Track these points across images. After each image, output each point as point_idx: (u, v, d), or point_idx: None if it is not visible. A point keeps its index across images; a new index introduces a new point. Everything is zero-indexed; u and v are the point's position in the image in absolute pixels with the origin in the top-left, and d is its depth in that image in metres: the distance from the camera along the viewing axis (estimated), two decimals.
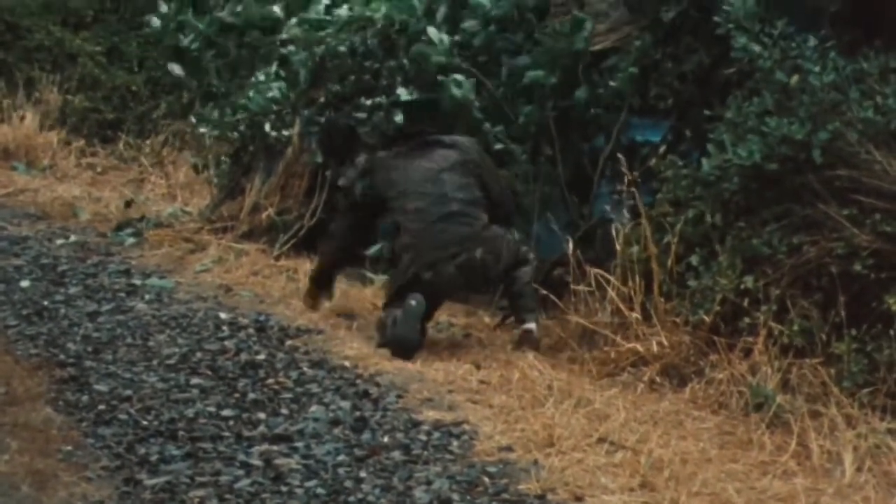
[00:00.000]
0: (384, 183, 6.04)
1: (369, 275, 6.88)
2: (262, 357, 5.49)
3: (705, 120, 5.69)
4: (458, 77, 6.82)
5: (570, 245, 5.80)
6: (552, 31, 6.68)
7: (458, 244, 5.76)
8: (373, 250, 6.99)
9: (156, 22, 9.16)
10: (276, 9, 8.55)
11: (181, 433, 4.51)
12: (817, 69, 5.06)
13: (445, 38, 7.09)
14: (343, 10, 7.90)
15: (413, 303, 5.61)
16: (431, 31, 7.12)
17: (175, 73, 8.99)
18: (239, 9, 8.81)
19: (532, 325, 5.73)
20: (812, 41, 5.20)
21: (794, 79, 5.10)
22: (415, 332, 5.62)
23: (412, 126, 6.53)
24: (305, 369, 5.33)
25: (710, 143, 5.38)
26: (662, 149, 5.95)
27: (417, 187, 5.91)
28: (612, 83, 6.41)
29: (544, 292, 5.84)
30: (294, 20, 8.18)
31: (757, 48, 5.25)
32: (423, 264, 5.74)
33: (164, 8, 9.19)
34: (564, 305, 5.76)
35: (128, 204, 8.85)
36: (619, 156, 5.96)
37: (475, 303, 6.60)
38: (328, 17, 8.03)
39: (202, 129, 8.37)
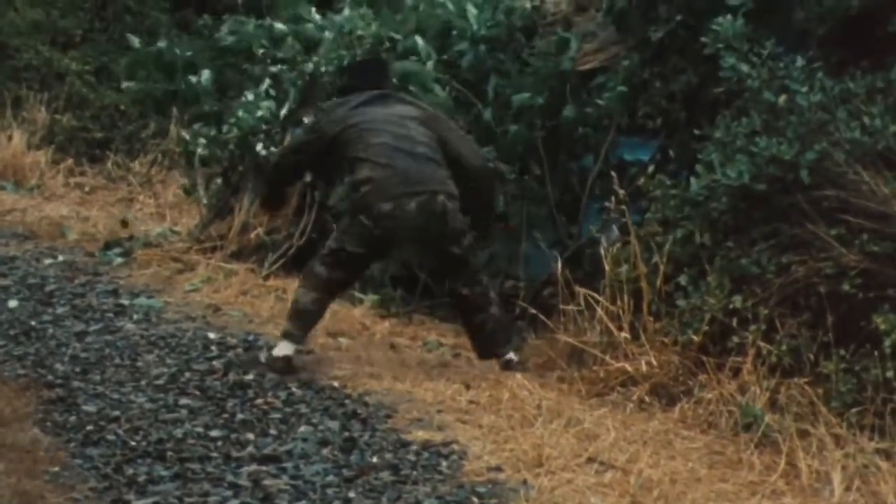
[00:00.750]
0: (338, 121, 5.74)
1: (358, 295, 6.88)
2: (250, 377, 5.47)
3: (694, 139, 5.71)
4: (438, 90, 6.86)
5: (559, 264, 5.79)
6: (538, 52, 6.71)
7: (423, 184, 5.53)
8: None
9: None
10: (280, 25, 8.58)
11: (169, 454, 4.49)
12: (805, 89, 5.08)
13: (429, 50, 7.13)
14: (336, 19, 7.94)
15: None
16: (420, 46, 7.15)
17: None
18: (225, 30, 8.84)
19: (511, 355, 5.67)
20: (800, 61, 5.22)
21: (782, 99, 5.12)
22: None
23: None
24: (294, 389, 5.32)
25: (698, 163, 5.40)
26: (651, 168, 5.96)
27: (382, 125, 5.65)
28: (600, 102, 6.43)
29: (533, 311, 5.85)
30: (290, 40, 8.22)
31: (745, 68, 5.27)
32: (384, 196, 5.49)
33: (136, 42, 9.22)
34: (553, 324, 5.76)
35: (124, 223, 8.83)
36: (608, 174, 5.97)
37: None
38: (317, 20, 8.08)
39: (196, 148, 8.35)
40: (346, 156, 5.68)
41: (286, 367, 5.53)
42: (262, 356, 5.64)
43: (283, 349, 5.59)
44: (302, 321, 5.65)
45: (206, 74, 8.78)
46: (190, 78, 8.86)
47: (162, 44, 9.16)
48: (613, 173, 5.93)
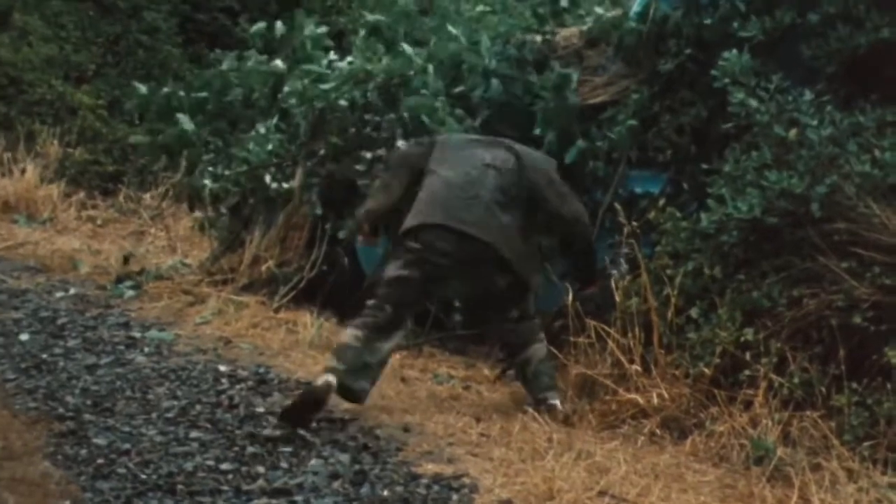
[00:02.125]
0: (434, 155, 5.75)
1: None
2: (261, 410, 5.47)
3: (703, 173, 5.72)
4: (453, 124, 6.88)
5: (570, 296, 5.78)
6: (541, 88, 6.73)
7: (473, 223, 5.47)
8: None
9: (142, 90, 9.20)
10: (279, 63, 8.60)
11: (180, 487, 4.48)
12: (815, 123, 5.09)
13: (439, 86, 7.18)
14: (343, 64, 7.96)
15: None
16: (430, 80, 7.20)
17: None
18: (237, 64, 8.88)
19: (556, 401, 5.51)
20: (808, 95, 5.23)
21: (793, 132, 5.13)
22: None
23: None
24: None
25: (709, 196, 5.40)
26: (661, 201, 5.96)
27: (458, 163, 5.66)
28: (610, 135, 6.44)
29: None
30: (295, 74, 8.24)
31: (754, 103, 5.28)
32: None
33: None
34: (564, 357, 5.75)
35: (126, 259, 8.86)
36: (617, 207, 5.98)
37: (474, 355, 6.60)
38: (328, 71, 8.09)
39: (206, 181, 8.38)
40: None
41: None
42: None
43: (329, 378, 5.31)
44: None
45: (186, 122, 8.79)
46: (184, 127, 8.88)
47: (168, 88, 9.16)
48: (618, 206, 5.94)
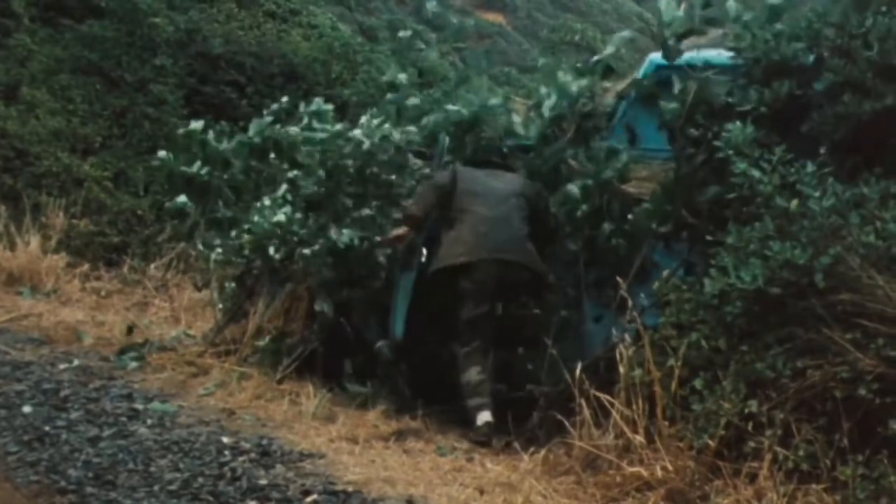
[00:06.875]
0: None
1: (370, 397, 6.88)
2: (263, 482, 5.44)
3: (709, 245, 5.72)
4: None
5: (578, 370, 5.76)
6: (585, 159, 6.77)
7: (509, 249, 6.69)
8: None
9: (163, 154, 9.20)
10: (291, 130, 8.63)
11: None
12: (817, 194, 5.12)
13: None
14: (357, 132, 7.98)
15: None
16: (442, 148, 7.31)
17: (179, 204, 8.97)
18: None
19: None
20: (810, 167, 5.26)
21: (794, 203, 5.15)
22: None
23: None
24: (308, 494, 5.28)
25: (712, 267, 5.41)
26: (666, 272, 5.95)
27: (488, 198, 6.86)
28: (632, 218, 6.38)
29: (550, 414, 5.83)
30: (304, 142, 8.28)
31: (756, 173, 5.31)
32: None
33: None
34: (568, 428, 5.73)
35: (129, 330, 8.86)
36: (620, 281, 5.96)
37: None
38: (339, 140, 8.13)
39: (210, 253, 8.40)
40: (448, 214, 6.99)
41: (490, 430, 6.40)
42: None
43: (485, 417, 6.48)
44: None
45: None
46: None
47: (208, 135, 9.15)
48: (621, 281, 5.95)
